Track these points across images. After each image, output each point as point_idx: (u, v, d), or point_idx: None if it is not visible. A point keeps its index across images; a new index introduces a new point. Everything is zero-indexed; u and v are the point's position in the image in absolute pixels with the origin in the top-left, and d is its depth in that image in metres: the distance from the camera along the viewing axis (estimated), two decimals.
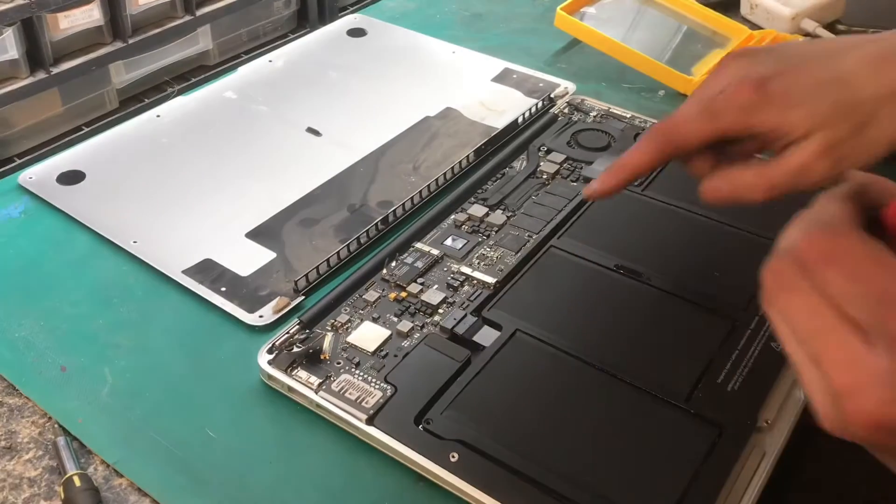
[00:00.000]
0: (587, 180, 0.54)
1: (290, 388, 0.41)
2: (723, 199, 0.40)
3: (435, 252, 0.49)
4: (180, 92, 0.61)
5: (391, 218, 0.52)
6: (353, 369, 0.42)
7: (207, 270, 0.49)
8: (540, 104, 0.63)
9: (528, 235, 0.50)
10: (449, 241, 0.50)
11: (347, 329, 0.44)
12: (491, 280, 0.46)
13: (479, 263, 0.48)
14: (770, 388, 0.41)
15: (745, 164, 0.39)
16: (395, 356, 0.42)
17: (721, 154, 0.40)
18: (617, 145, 0.57)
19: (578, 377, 0.41)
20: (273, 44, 0.69)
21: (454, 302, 0.45)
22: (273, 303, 0.47)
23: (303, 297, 0.47)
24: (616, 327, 0.44)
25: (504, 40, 0.74)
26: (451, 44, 0.72)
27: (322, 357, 0.42)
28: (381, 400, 0.40)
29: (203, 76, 0.66)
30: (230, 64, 0.68)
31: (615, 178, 0.42)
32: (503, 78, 0.67)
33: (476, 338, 0.43)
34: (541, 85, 0.66)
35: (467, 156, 0.57)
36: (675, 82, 0.66)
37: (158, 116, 0.63)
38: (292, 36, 0.73)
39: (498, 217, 0.51)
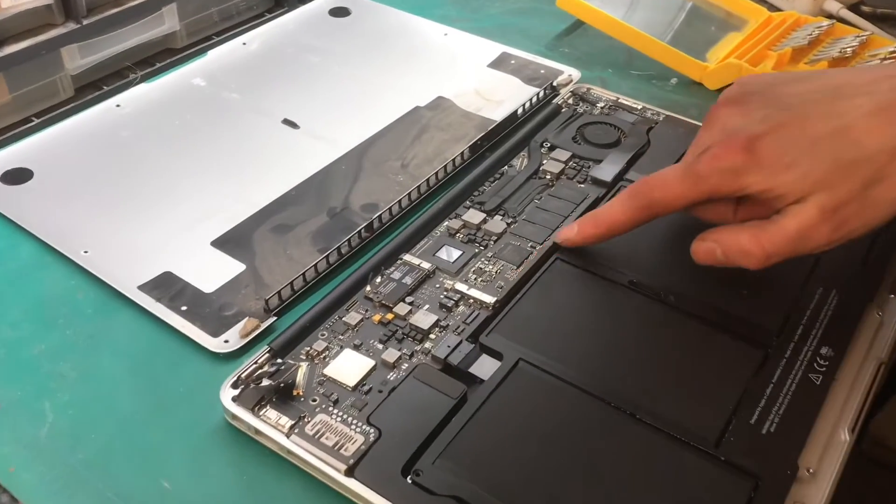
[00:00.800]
0: (596, 181, 0.48)
1: (258, 431, 0.36)
2: (715, 263, 0.38)
3: (426, 266, 0.43)
4: (143, 78, 0.55)
5: (376, 224, 0.47)
6: (330, 408, 0.36)
7: (167, 286, 0.43)
8: (541, 94, 0.57)
9: (531, 246, 0.44)
10: (442, 253, 0.44)
11: (325, 358, 0.38)
12: (489, 299, 0.41)
13: (475, 279, 0.42)
14: (810, 430, 0.36)
15: (740, 225, 0.37)
16: (380, 392, 0.37)
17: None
18: (628, 141, 0.51)
19: (591, 417, 0.36)
20: (247, 24, 0.63)
21: (447, 326, 0.40)
22: (240, 325, 0.41)
23: (274, 318, 0.42)
24: (632, 356, 0.39)
25: (501, 21, 0.68)
26: (443, 25, 0.66)
27: (295, 393, 0.37)
28: (363, 446, 0.34)
29: (169, 61, 0.60)
30: (199, 47, 0.61)
31: (593, 231, 0.41)
32: (500, 63, 0.61)
33: (473, 369, 0.38)
34: (542, 72, 0.60)
35: (462, 152, 0.51)
36: (688, 69, 0.60)
37: (118, 106, 0.56)
38: (269, 16, 0.66)
39: (496, 224, 0.45)
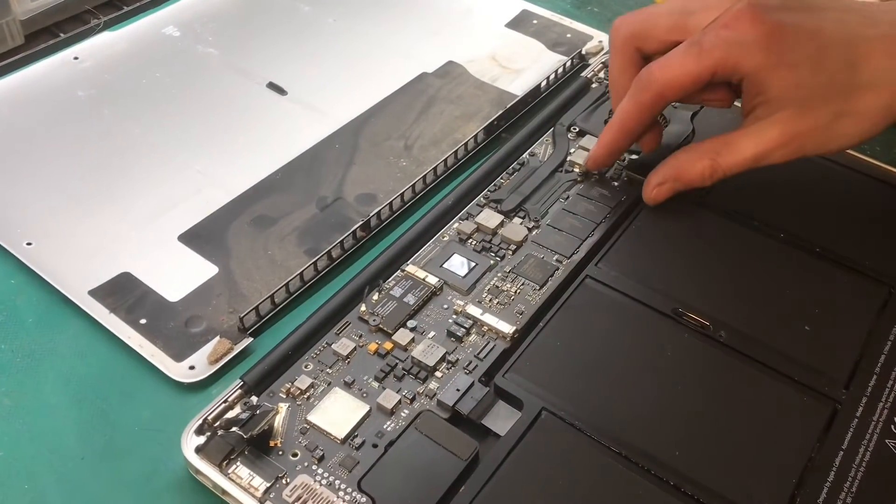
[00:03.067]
0: (633, 179, 0.41)
1: (225, 491, 0.29)
2: (672, 194, 0.38)
3: (432, 281, 0.36)
4: (107, 25, 0.48)
5: (374, 222, 0.40)
6: (314, 466, 0.30)
7: (123, 291, 0.37)
8: (568, 63, 0.49)
9: (557, 259, 0.37)
10: (450, 265, 0.37)
11: (309, 399, 0.32)
12: (508, 329, 0.34)
13: (491, 301, 0.36)
14: None
15: (697, 151, 0.37)
16: (374, 446, 0.30)
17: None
18: (670, 128, 0.44)
19: (628, 489, 0.30)
20: None
21: (457, 361, 0.33)
22: (210, 346, 0.35)
23: (251, 340, 0.35)
24: (676, 407, 0.32)
25: None
26: None
27: (272, 444, 0.31)
28: None
29: (138, 4, 0.52)
30: None
31: (609, 136, 0.38)
32: (520, 23, 0.53)
33: (487, 421, 0.31)
34: (568, 35, 0.52)
35: (475, 135, 0.44)
36: None
37: (76, 59, 0.48)
38: None
39: (515, 229, 0.39)
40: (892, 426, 0.32)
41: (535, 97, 0.47)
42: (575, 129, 0.44)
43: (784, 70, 0.33)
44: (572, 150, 0.43)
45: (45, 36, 0.50)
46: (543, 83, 0.48)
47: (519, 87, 0.48)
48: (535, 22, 0.53)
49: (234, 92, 0.47)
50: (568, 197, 0.40)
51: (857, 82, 0.33)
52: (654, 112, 0.37)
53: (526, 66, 0.50)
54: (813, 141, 0.35)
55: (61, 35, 0.50)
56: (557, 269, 0.37)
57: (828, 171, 0.42)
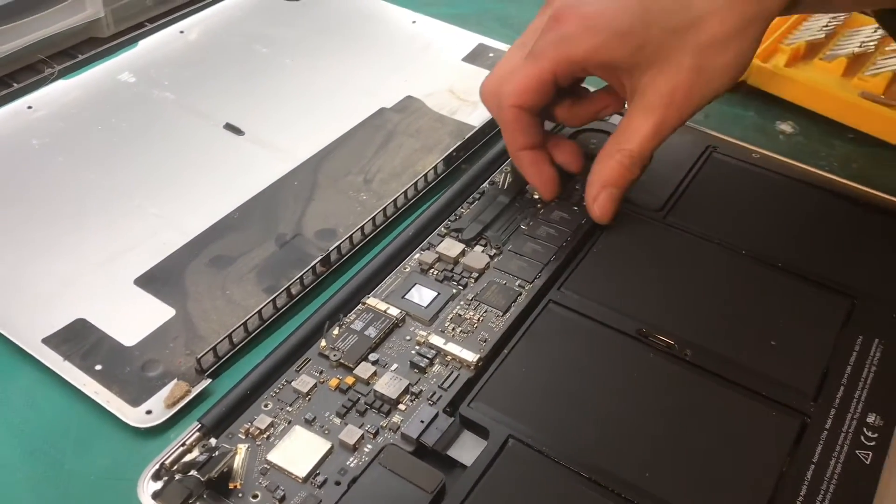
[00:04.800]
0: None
1: None
2: (614, 202, 0.38)
3: (393, 312, 0.36)
4: (61, 74, 0.48)
5: (334, 256, 0.39)
6: None
7: (78, 338, 0.36)
8: None
9: (520, 285, 0.37)
10: (412, 295, 0.37)
11: (269, 438, 0.31)
12: (471, 357, 0.34)
13: (454, 330, 0.35)
14: None
15: (603, 153, 0.37)
16: (337, 484, 0.30)
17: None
18: None
19: None
20: (186, 9, 0.55)
21: (420, 392, 0.33)
22: (167, 389, 0.34)
23: (209, 381, 0.34)
24: (644, 429, 0.32)
25: (477, 7, 0.60)
26: (411, 11, 0.58)
27: (231, 486, 0.30)
28: None
29: (92, 53, 0.52)
30: (129, 36, 0.53)
31: (523, 169, 0.40)
32: (477, 57, 0.54)
33: (452, 451, 0.31)
34: None
35: (435, 166, 0.44)
36: None
37: (30, 108, 0.48)
38: None
39: (477, 258, 0.38)
40: (862, 437, 0.32)
41: (494, 127, 0.47)
42: None
43: (617, 41, 0.34)
44: None
45: None
46: None
47: (477, 118, 0.48)
48: (491, 55, 0.54)
49: (191, 134, 0.47)
50: (529, 223, 0.40)
51: (693, 16, 0.33)
52: (524, 126, 0.38)
53: None
54: (695, 87, 0.34)
55: (14, 85, 0.49)
56: (520, 294, 0.37)
57: (786, 186, 0.43)
